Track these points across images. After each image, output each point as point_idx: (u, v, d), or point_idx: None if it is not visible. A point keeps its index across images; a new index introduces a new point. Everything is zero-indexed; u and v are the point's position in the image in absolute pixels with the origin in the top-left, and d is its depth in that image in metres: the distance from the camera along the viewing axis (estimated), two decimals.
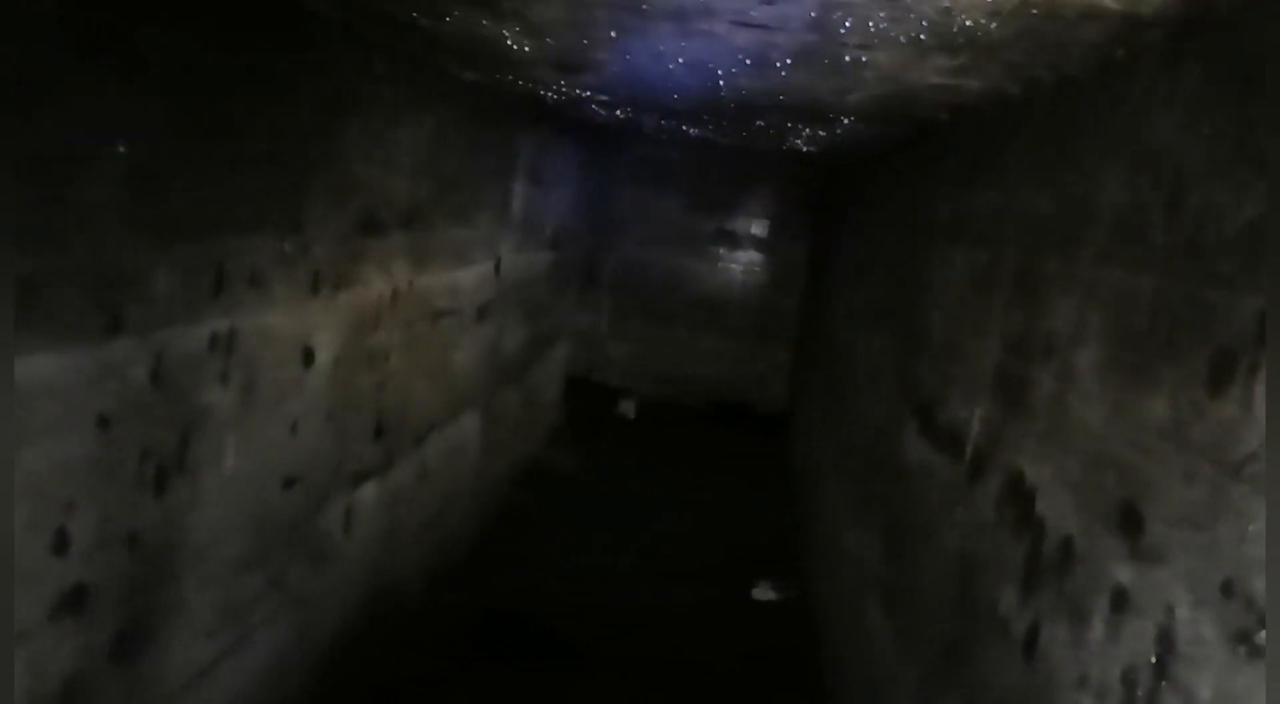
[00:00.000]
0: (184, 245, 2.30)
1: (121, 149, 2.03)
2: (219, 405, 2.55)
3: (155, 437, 2.28)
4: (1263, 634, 1.17)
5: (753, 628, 5.05)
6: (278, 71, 2.65)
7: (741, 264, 9.07)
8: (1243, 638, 1.20)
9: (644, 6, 2.15)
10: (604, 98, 4.30)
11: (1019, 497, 2.09)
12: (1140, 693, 1.43)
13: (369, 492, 3.74)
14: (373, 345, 3.56)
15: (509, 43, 2.88)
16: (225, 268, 2.48)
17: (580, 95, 4.26)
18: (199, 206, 2.35)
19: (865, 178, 5.82)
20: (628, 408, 8.94)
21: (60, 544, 2.00)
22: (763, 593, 5.44)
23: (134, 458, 2.21)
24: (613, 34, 2.55)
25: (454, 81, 4.00)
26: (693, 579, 5.56)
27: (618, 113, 4.98)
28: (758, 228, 9.03)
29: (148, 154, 2.13)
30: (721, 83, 3.20)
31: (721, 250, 9.07)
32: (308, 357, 3.02)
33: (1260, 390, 1.24)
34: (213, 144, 2.38)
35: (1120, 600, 1.54)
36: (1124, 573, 1.54)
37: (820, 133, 4.63)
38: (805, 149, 5.83)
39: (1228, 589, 1.25)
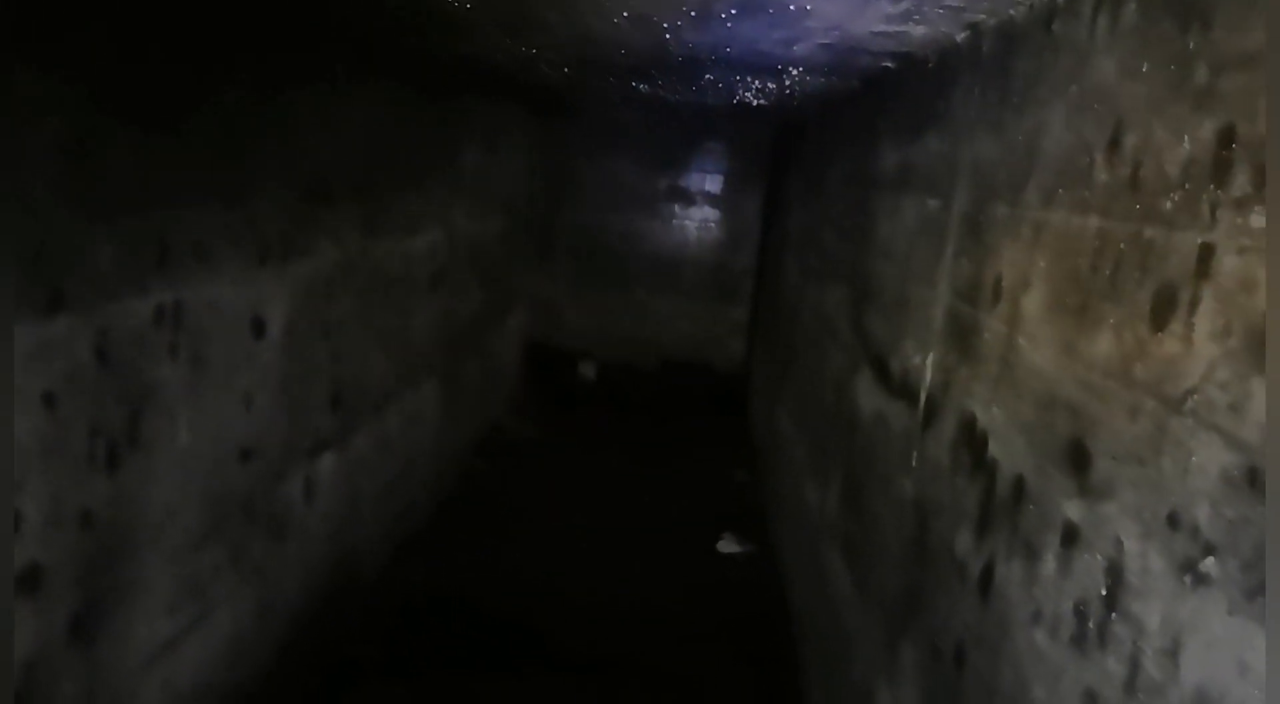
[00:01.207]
0: (124, 219, 2.25)
1: (55, 122, 1.98)
2: (169, 380, 2.51)
3: (104, 413, 2.25)
4: (1208, 561, 1.19)
5: (718, 585, 5.10)
6: (220, 41, 2.59)
7: (697, 222, 9.05)
8: (1188, 567, 1.23)
9: None
10: (551, 57, 4.25)
11: (972, 440, 2.12)
12: (1092, 625, 1.46)
13: (328, 462, 3.72)
14: (326, 315, 3.53)
15: (452, 2, 2.83)
16: (168, 240, 2.44)
17: (528, 54, 4.20)
18: (139, 179, 2.30)
19: (817, 130, 5.82)
20: (588, 371, 8.94)
21: (13, 525, 1.97)
22: (727, 546, 5.50)
23: (83, 435, 2.18)
24: None
25: (402, 48, 3.93)
26: (657, 536, 5.59)
27: (565, 71, 4.92)
28: (712, 184, 9.00)
29: (83, 127, 2.07)
30: (668, 37, 3.17)
31: (676, 208, 9.04)
32: (258, 328, 2.99)
33: (1200, 325, 1.25)
34: (152, 115, 2.32)
35: (1071, 536, 1.57)
36: (1073, 510, 1.57)
37: (770, 86, 4.61)
38: (756, 103, 5.81)
39: (1173, 520, 1.28)
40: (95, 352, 2.18)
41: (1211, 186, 1.26)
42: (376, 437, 4.31)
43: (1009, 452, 1.89)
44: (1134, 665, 1.32)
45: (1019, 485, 1.82)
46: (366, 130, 3.73)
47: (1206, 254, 1.26)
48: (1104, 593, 1.43)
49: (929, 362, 2.55)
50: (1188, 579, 1.23)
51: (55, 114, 1.98)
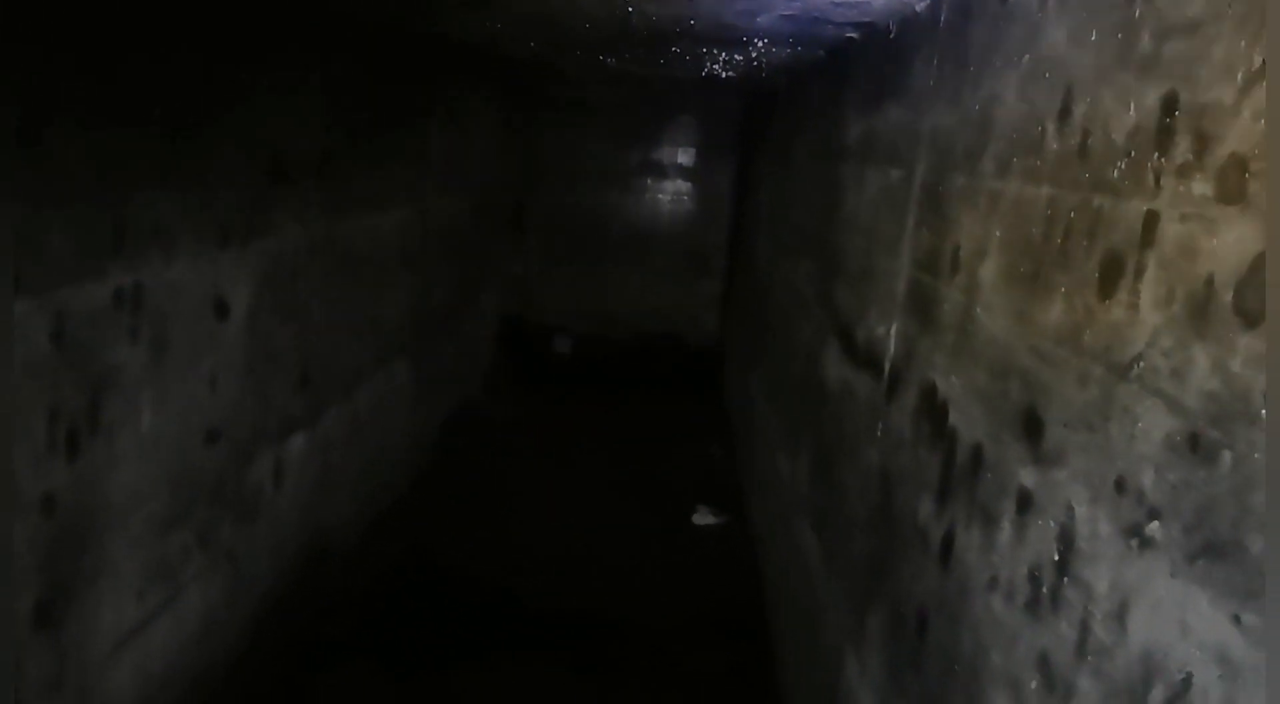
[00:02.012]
0: (80, 202, 2.22)
1: (4, 105, 1.95)
2: (130, 363, 2.49)
3: (63, 398, 2.23)
4: (1152, 525, 1.21)
5: (695, 557, 5.12)
6: (175, 18, 2.55)
7: (669, 195, 9.01)
8: (1134, 531, 1.25)
9: None
10: (514, 33, 4.21)
11: (933, 410, 2.13)
12: (1045, 589, 1.48)
13: (298, 443, 3.71)
14: (291, 295, 3.50)
15: None
16: (126, 222, 2.41)
17: (492, 29, 4.16)
18: (94, 161, 2.26)
19: (786, 101, 5.81)
20: (562, 346, 8.93)
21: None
22: (702, 518, 5.53)
23: (42, 420, 2.16)
24: None
25: (364, 25, 3.89)
26: (634, 510, 5.61)
27: (531, 46, 4.88)
28: (684, 157, 8.96)
29: (35, 109, 2.04)
30: (630, 9, 3.15)
31: (648, 182, 9.00)
32: (222, 309, 2.96)
33: (1145, 292, 1.26)
34: (106, 96, 2.29)
35: (1025, 503, 1.58)
36: (1028, 476, 1.58)
37: (737, 58, 4.59)
38: (725, 75, 5.78)
39: (1120, 486, 1.29)
40: (52, 335, 2.16)
41: (1155, 154, 1.27)
42: (347, 416, 4.29)
43: (968, 420, 1.91)
44: (1084, 629, 1.34)
45: (977, 454, 1.83)
46: (329, 108, 3.69)
47: (1151, 222, 1.27)
48: (1056, 558, 1.45)
49: (892, 332, 2.56)
50: (1134, 543, 1.24)
51: (3, 97, 1.95)
